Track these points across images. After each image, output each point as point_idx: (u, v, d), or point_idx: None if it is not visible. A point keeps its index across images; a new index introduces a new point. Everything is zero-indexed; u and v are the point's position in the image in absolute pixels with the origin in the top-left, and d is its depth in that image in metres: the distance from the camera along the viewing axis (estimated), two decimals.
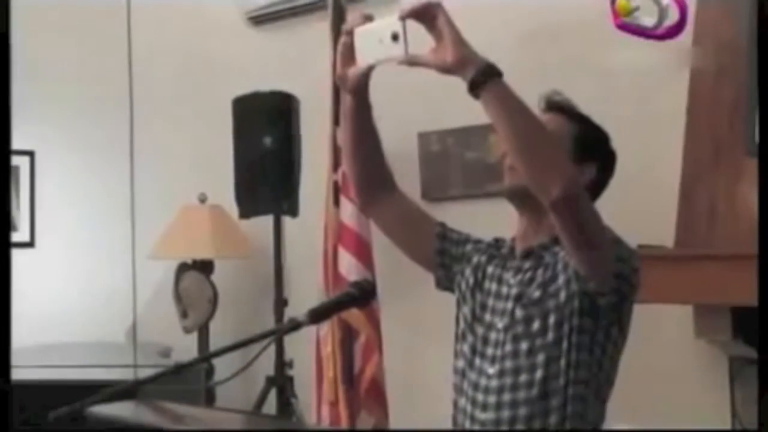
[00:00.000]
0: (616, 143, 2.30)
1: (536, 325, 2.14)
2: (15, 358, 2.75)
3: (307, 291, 4.00)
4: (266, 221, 4.32)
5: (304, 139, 4.28)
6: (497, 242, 2.37)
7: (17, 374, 3.28)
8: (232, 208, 4.41)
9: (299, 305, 3.32)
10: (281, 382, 4.18)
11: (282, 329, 2.14)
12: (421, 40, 1.90)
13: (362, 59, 1.97)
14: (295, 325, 2.01)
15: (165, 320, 4.79)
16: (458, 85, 1.89)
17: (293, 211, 4.26)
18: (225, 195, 4.42)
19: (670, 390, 3.55)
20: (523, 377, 2.13)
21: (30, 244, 5.01)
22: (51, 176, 5.07)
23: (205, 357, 3.69)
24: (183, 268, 4.74)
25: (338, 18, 3.80)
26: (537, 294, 2.16)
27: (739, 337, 3.31)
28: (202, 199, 4.71)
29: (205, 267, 4.72)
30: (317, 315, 2.07)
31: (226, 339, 3.56)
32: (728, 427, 3.43)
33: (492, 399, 2.16)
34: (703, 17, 3.32)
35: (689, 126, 3.37)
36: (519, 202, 2.25)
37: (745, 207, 3.07)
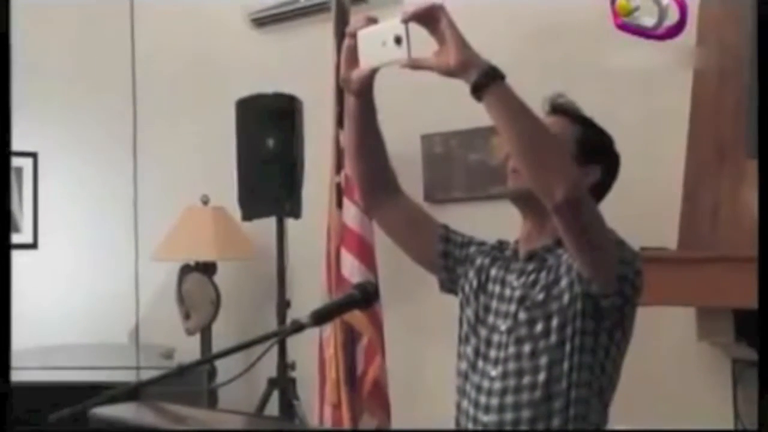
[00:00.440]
0: (619, 145, 2.30)
1: (539, 327, 2.14)
2: (18, 360, 2.75)
3: (309, 293, 4.00)
4: (269, 223, 4.32)
5: (307, 141, 4.28)
6: (500, 244, 2.37)
7: (20, 376, 3.28)
8: (235, 210, 4.41)
9: (302, 307, 3.33)
10: (284, 383, 4.18)
11: (285, 331, 2.14)
12: (424, 42, 1.90)
13: (365, 62, 1.97)
14: (298, 327, 2.01)
15: (168, 322, 4.79)
16: (461, 87, 1.89)
17: (296, 213, 4.26)
18: (228, 197, 4.42)
19: (673, 392, 3.55)
20: (526, 379, 2.13)
21: (33, 246, 5.01)
22: (54, 178, 5.08)
23: (208, 359, 3.70)
24: (186, 270, 4.74)
25: (341, 20, 3.80)
26: (540, 296, 2.16)
27: (741, 340, 3.31)
28: (205, 201, 4.72)
29: (207, 269, 4.72)
30: (320, 317, 2.07)
31: (229, 341, 3.57)
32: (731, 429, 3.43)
33: (495, 401, 2.16)
34: (706, 19, 3.32)
35: (692, 128, 3.37)
36: (522, 205, 2.25)
37: (748, 209, 3.07)
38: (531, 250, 2.24)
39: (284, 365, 4.19)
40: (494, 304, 2.24)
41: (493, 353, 2.20)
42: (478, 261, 2.33)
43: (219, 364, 3.62)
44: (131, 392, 1.92)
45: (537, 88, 2.11)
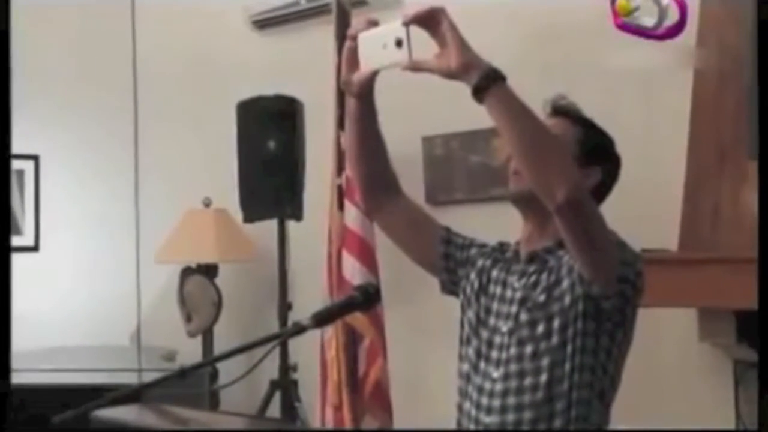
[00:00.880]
0: (620, 146, 2.31)
1: (541, 328, 2.14)
2: (20, 362, 2.76)
3: (311, 295, 4.00)
4: (270, 225, 4.32)
5: (309, 143, 4.28)
6: (502, 246, 2.37)
7: (22, 378, 3.29)
8: (237, 212, 4.42)
9: (303, 309, 3.32)
10: (285, 385, 4.19)
11: (286, 333, 2.14)
12: (424, 45, 1.90)
13: (366, 64, 1.97)
14: (300, 329, 2.02)
15: (169, 324, 4.79)
16: (462, 89, 1.89)
17: (297, 215, 4.27)
18: (229, 199, 4.42)
19: (675, 393, 3.55)
20: (527, 381, 2.13)
21: (35, 248, 5.02)
22: (56, 180, 5.08)
23: (210, 361, 3.68)
24: (187, 272, 4.75)
25: (342, 22, 3.80)
26: (542, 298, 2.16)
27: (743, 341, 3.31)
28: (207, 203, 4.72)
29: (209, 271, 4.72)
30: (321, 319, 2.07)
31: (231, 343, 3.56)
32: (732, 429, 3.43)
33: (497, 402, 2.16)
34: (706, 19, 3.32)
35: (693, 129, 3.37)
36: (524, 206, 2.25)
37: (749, 210, 3.07)
38: (532, 251, 2.24)
39: (286, 367, 4.19)
40: (495, 305, 2.25)
41: (494, 355, 2.20)
42: (480, 263, 2.33)
43: (221, 366, 3.63)
44: (133, 394, 1.92)
45: (538, 89, 2.11)
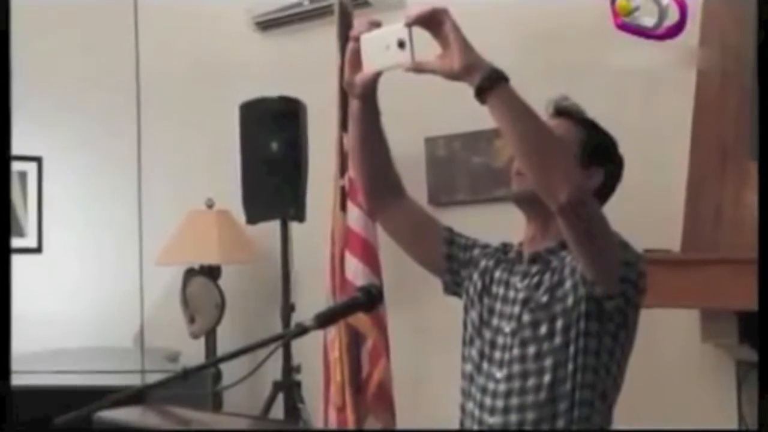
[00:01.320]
0: (623, 147, 2.31)
1: (543, 329, 2.14)
2: (22, 364, 2.76)
3: (314, 296, 4.00)
4: (273, 226, 4.32)
5: (311, 144, 4.29)
6: (504, 247, 2.37)
7: (24, 379, 3.29)
8: (239, 214, 4.42)
9: (306, 310, 3.31)
10: (288, 386, 4.19)
11: (289, 334, 2.14)
12: (427, 46, 1.90)
13: (369, 65, 1.97)
14: (302, 330, 2.02)
15: (172, 325, 4.80)
16: (465, 90, 1.89)
17: (300, 216, 4.27)
18: (232, 200, 4.43)
19: (677, 394, 3.55)
20: (530, 381, 2.14)
21: (38, 250, 5.02)
22: (58, 182, 5.08)
23: (213, 362, 3.70)
24: (190, 274, 4.75)
25: (345, 24, 3.80)
26: (544, 298, 2.16)
27: (745, 341, 3.31)
28: (210, 205, 4.72)
29: (212, 272, 4.72)
30: (324, 320, 2.07)
31: (234, 344, 3.58)
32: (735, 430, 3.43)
33: (500, 403, 2.16)
34: (708, 19, 3.32)
35: (695, 130, 3.37)
36: (526, 207, 2.25)
37: (751, 211, 3.07)
38: (535, 252, 2.25)
39: (289, 368, 4.19)
40: (498, 306, 2.25)
41: (497, 355, 2.20)
42: (482, 263, 2.33)
43: (224, 367, 3.63)
44: (136, 396, 1.92)
45: (540, 90, 2.11)
